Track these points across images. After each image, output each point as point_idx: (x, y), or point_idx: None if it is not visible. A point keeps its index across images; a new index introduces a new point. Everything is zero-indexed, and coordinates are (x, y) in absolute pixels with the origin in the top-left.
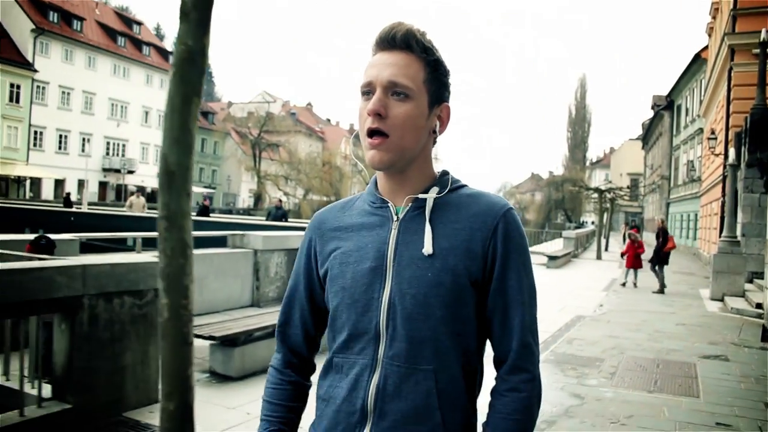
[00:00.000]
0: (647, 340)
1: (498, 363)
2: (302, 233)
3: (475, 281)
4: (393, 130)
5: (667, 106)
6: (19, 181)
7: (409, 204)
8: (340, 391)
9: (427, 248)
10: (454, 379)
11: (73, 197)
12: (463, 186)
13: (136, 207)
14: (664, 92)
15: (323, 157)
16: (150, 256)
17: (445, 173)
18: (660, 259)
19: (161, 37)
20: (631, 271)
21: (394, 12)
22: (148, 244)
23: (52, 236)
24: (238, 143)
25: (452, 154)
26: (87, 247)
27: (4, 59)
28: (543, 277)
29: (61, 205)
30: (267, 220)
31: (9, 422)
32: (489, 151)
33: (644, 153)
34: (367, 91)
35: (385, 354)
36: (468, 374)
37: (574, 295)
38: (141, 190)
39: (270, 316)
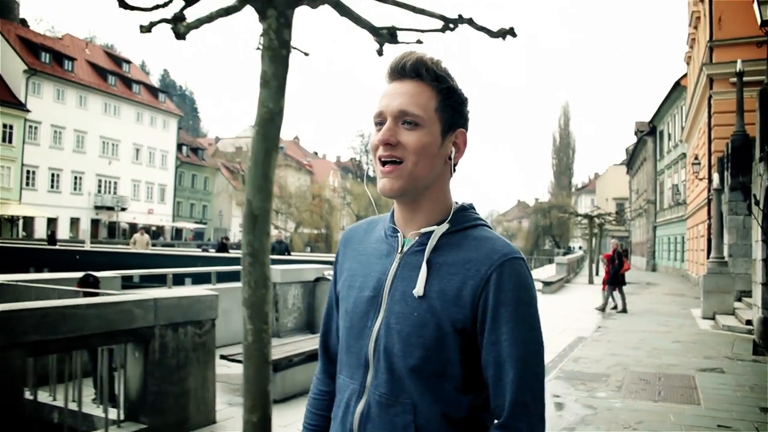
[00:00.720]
0: (647, 357)
1: (495, 419)
2: (313, 266)
3: (462, 330)
4: (406, 156)
5: (649, 132)
6: (12, 220)
7: (415, 238)
8: (339, 412)
9: (418, 289)
10: (436, 419)
11: (66, 235)
12: (478, 225)
13: (140, 244)
14: (646, 118)
15: (312, 190)
16: (204, 290)
17: (463, 208)
18: (617, 280)
19: (147, 74)
20: (616, 293)
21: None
22: (153, 280)
23: (96, 273)
24: (228, 178)
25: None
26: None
27: None
28: (541, 302)
29: (46, 243)
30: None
31: None
32: (474, 179)
33: (629, 178)
34: (379, 121)
35: (371, 382)
36: (455, 419)
37: (572, 318)
38: (132, 226)
39: (298, 344)
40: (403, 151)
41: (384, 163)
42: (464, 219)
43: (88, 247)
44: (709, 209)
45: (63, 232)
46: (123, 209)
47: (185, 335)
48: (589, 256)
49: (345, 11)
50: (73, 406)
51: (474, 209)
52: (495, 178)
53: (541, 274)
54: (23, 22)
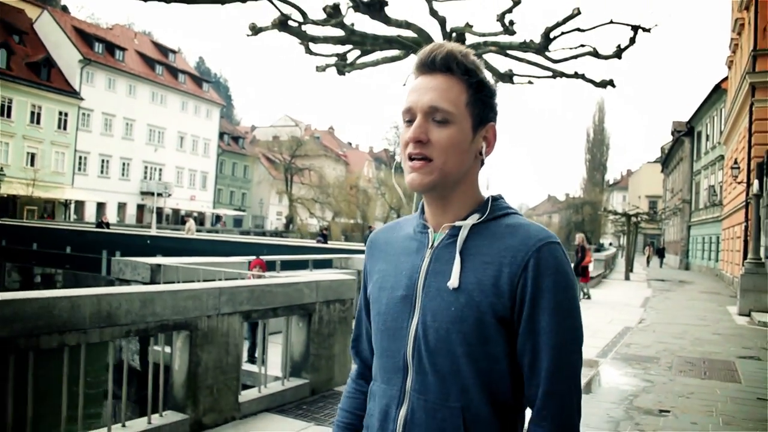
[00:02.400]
0: (690, 345)
1: (529, 407)
2: None
3: (502, 318)
4: (436, 155)
5: (687, 132)
6: (66, 204)
7: (446, 231)
8: (374, 422)
9: (453, 282)
10: (485, 419)
11: (113, 220)
12: (509, 214)
13: (190, 230)
14: (683, 117)
15: (348, 180)
16: (345, 274)
17: (494, 198)
18: (577, 272)
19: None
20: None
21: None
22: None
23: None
24: (268, 167)
25: None
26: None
27: (55, 89)
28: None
29: (94, 226)
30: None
31: (274, 390)
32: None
33: (663, 176)
34: (409, 118)
35: (412, 387)
36: (503, 415)
37: (616, 310)
38: (176, 212)
39: None
40: (434, 149)
41: (413, 159)
42: (495, 208)
43: (154, 232)
44: (747, 212)
45: (111, 216)
46: (168, 195)
47: (334, 310)
48: (627, 253)
49: (500, 75)
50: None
51: (503, 199)
52: (525, 172)
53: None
54: (64, 9)
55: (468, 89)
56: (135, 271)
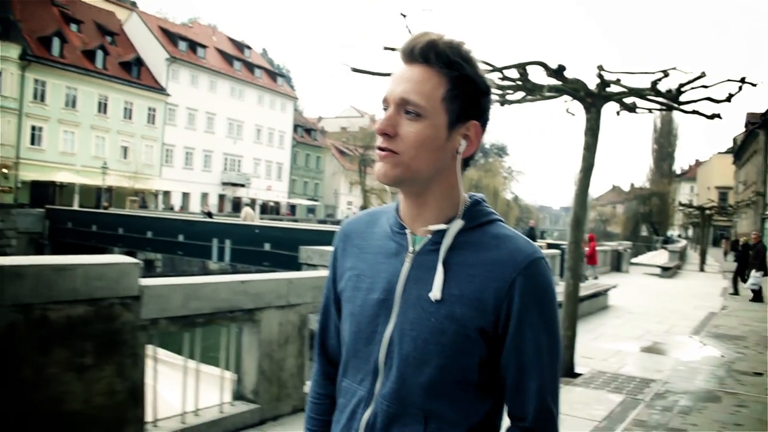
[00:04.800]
0: None
1: (512, 418)
2: None
3: (483, 332)
4: (402, 149)
5: (762, 125)
6: (155, 194)
7: (427, 236)
8: (342, 418)
9: (435, 293)
10: (448, 429)
11: (197, 209)
12: (493, 221)
13: (249, 217)
14: (758, 109)
15: None
16: None
17: (476, 203)
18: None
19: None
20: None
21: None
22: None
23: None
24: (339, 158)
25: (530, 166)
26: None
27: (144, 86)
28: (661, 285)
29: (205, 216)
30: None
31: (209, 418)
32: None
33: (735, 168)
34: (384, 107)
35: (379, 391)
36: (470, 427)
37: (698, 298)
38: (253, 202)
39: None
40: (401, 143)
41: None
42: (479, 214)
43: (257, 221)
44: None
45: (194, 205)
46: (246, 186)
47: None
48: (701, 246)
49: (627, 107)
50: None
51: (486, 203)
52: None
53: (651, 259)
54: (134, 3)
55: (447, 83)
56: (322, 258)
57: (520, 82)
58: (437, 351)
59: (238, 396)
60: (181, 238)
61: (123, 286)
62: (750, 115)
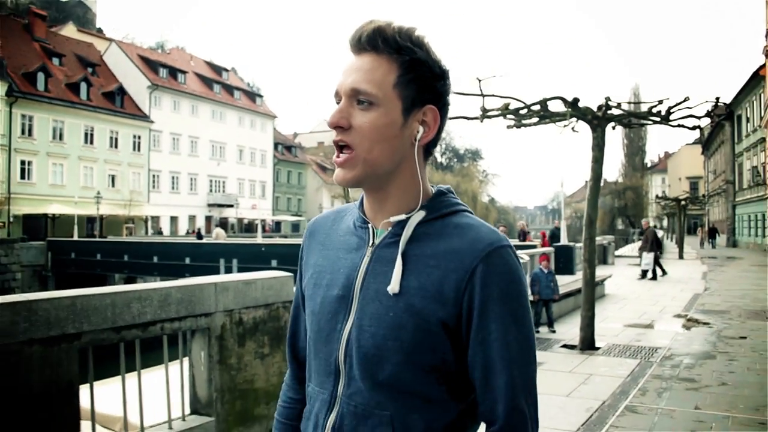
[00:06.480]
0: (752, 303)
1: (485, 423)
2: None
3: (446, 327)
4: (358, 142)
5: (727, 116)
6: (145, 220)
7: (388, 228)
8: (308, 425)
9: (393, 286)
10: (416, 428)
11: (184, 231)
12: (459, 212)
13: (221, 236)
14: (724, 101)
15: None
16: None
17: (441, 193)
18: None
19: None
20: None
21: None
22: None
23: None
24: (318, 172)
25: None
26: None
27: (128, 114)
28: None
29: (195, 238)
30: None
31: None
32: (538, 161)
33: (704, 158)
34: (337, 101)
35: (343, 392)
36: (440, 427)
37: (682, 282)
38: (239, 221)
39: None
40: (356, 134)
41: (337, 149)
42: (442, 205)
43: (259, 240)
44: None
45: (182, 228)
46: (235, 206)
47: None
48: (679, 234)
49: (624, 124)
50: None
51: (453, 193)
52: (561, 159)
53: (634, 251)
54: (100, 30)
55: (398, 68)
56: None
57: (542, 112)
58: (396, 347)
59: None
60: (187, 260)
61: (284, 292)
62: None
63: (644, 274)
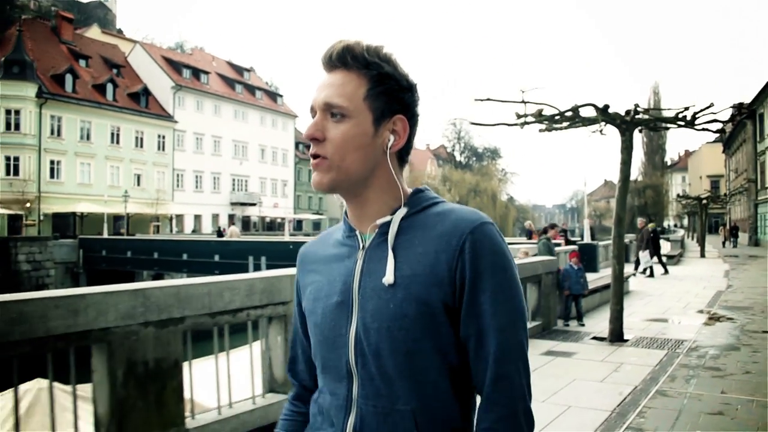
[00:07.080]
0: None
1: (478, 394)
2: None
3: (447, 306)
4: (332, 152)
5: (749, 115)
6: (170, 218)
7: (375, 230)
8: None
9: (388, 278)
10: (438, 420)
11: (208, 230)
12: (437, 203)
13: (234, 234)
14: (741, 99)
15: (413, 177)
16: (537, 259)
17: (418, 191)
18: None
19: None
20: None
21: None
22: None
23: None
24: None
25: (521, 166)
26: None
27: (153, 114)
28: (671, 271)
29: (216, 235)
30: None
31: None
32: (558, 160)
33: (725, 157)
34: (312, 115)
35: (358, 393)
36: (456, 413)
37: (705, 280)
38: (262, 219)
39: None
40: (330, 146)
41: (313, 158)
42: (421, 200)
43: (287, 237)
44: None
45: (206, 226)
46: (258, 204)
47: (547, 280)
48: (700, 233)
49: (650, 128)
50: None
51: (430, 190)
52: (580, 158)
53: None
54: (120, 31)
55: (368, 82)
56: None
57: (575, 119)
58: (403, 336)
59: None
60: (216, 258)
61: None
62: (737, 106)
63: (645, 271)
